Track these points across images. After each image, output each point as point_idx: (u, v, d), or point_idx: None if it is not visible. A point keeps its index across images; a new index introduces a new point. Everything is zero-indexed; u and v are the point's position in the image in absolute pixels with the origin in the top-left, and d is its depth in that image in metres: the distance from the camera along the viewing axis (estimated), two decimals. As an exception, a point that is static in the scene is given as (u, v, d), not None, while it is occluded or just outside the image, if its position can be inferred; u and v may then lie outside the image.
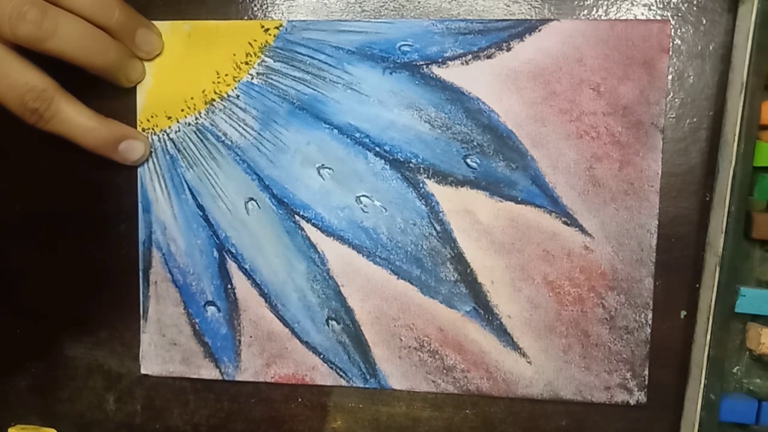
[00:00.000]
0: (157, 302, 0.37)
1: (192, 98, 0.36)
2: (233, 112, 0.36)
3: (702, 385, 0.32)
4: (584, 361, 0.34)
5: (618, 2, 0.33)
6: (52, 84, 0.32)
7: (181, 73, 0.36)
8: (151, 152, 0.37)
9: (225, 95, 0.36)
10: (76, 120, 0.33)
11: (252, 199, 0.36)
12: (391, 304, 0.35)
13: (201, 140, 0.36)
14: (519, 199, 0.34)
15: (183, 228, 0.37)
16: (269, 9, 0.36)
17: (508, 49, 0.34)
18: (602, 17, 0.33)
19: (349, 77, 0.35)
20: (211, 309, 0.37)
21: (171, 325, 0.37)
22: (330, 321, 0.36)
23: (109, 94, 0.36)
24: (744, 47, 0.31)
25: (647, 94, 0.33)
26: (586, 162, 0.34)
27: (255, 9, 0.36)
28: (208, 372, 0.37)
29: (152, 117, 0.36)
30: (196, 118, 0.36)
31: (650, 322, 0.34)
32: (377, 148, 0.35)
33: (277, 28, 0.35)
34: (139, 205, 0.37)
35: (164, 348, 0.37)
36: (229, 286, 0.36)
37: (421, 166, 0.35)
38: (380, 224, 0.35)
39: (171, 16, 0.36)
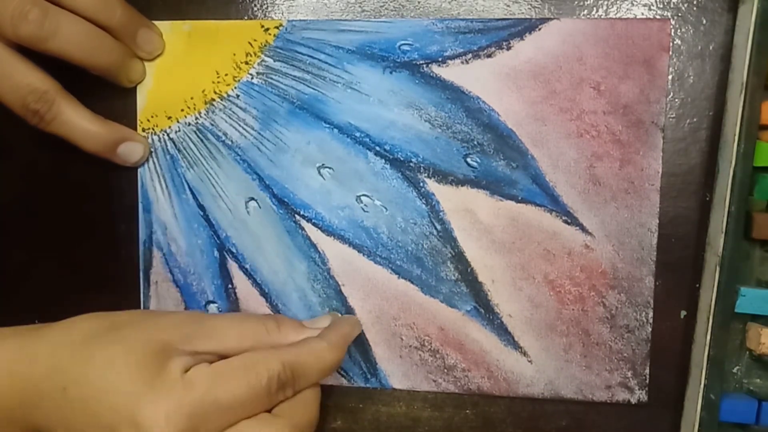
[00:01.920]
0: (157, 302, 0.37)
1: (192, 98, 0.36)
2: (233, 112, 0.36)
3: (702, 385, 0.32)
4: (585, 360, 0.34)
5: (618, 2, 0.33)
6: (54, 86, 0.32)
7: (181, 73, 0.36)
8: (151, 152, 0.37)
9: (225, 95, 0.36)
10: (76, 122, 0.33)
11: (252, 198, 0.36)
12: (391, 303, 0.35)
13: (201, 140, 0.36)
14: (519, 198, 0.34)
15: (183, 228, 0.37)
16: (269, 9, 0.36)
17: (508, 48, 0.34)
18: (602, 17, 0.33)
19: (349, 77, 0.35)
20: (211, 309, 0.37)
21: (171, 324, 0.37)
22: (330, 320, 0.36)
23: (110, 95, 0.36)
24: (744, 47, 0.31)
25: (647, 92, 0.33)
26: (586, 161, 0.34)
27: (255, 9, 0.36)
28: (208, 372, 0.37)
29: (152, 117, 0.36)
30: (196, 118, 0.36)
31: (651, 320, 0.34)
32: (377, 148, 0.35)
33: (277, 27, 0.35)
34: (140, 205, 0.37)
35: (164, 348, 0.37)
36: (229, 285, 0.36)
37: (422, 165, 0.35)
38: (381, 224, 0.35)
39: (171, 16, 0.36)
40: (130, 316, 0.29)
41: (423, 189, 0.35)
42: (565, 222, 0.34)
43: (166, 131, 0.36)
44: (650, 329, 0.34)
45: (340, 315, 0.35)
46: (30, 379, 0.27)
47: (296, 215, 0.36)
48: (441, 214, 0.35)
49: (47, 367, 0.27)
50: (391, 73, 0.34)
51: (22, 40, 0.31)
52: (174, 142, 0.36)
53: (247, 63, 0.36)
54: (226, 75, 0.36)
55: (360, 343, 0.36)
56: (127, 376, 0.26)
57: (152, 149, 0.37)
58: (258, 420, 0.27)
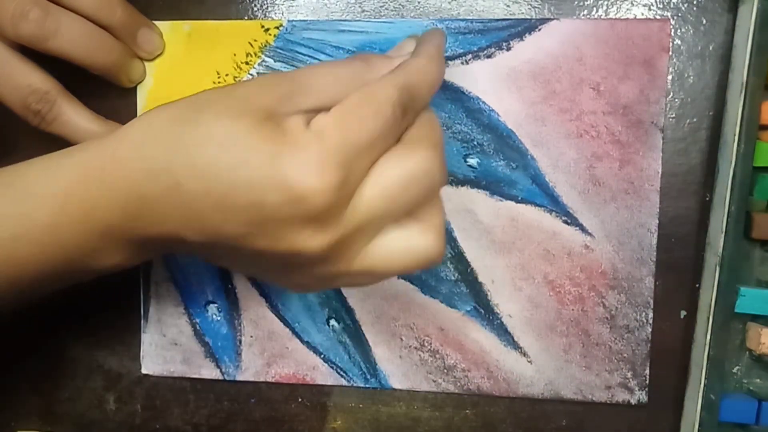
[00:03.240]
0: (157, 302, 0.37)
1: (192, 98, 0.36)
2: (233, 112, 0.36)
3: (702, 385, 0.32)
4: (585, 361, 0.34)
5: (618, 2, 0.33)
6: (56, 86, 0.32)
7: (181, 73, 0.36)
8: (151, 152, 0.36)
9: (225, 95, 0.36)
10: (78, 123, 0.33)
11: None
12: (391, 303, 0.35)
13: (201, 140, 0.36)
14: (519, 198, 0.34)
15: (183, 228, 0.36)
16: (269, 9, 0.36)
17: (508, 49, 0.34)
18: (602, 17, 0.33)
19: (350, 77, 0.35)
20: (211, 309, 0.37)
21: (172, 325, 0.37)
22: (330, 320, 0.36)
23: (110, 95, 0.36)
24: (744, 47, 0.31)
25: (647, 93, 0.33)
26: (586, 161, 0.34)
27: (255, 9, 0.36)
28: (208, 372, 0.37)
29: (152, 117, 0.36)
30: (197, 118, 0.36)
31: (651, 321, 0.34)
32: (377, 148, 0.35)
33: (277, 28, 0.35)
34: (140, 204, 0.37)
35: (165, 348, 0.37)
36: (229, 285, 0.36)
37: (422, 165, 0.35)
38: (380, 224, 0.35)
39: (171, 16, 0.36)
40: (207, 94, 0.25)
41: (423, 189, 0.35)
42: (565, 222, 0.34)
43: (166, 131, 0.36)
44: (650, 329, 0.34)
45: (418, 36, 0.30)
46: (123, 188, 0.24)
47: (296, 215, 0.36)
48: (441, 214, 0.35)
49: (141, 169, 0.24)
50: (391, 73, 0.34)
51: (22, 40, 0.31)
52: (174, 143, 0.36)
53: (247, 63, 0.36)
54: (227, 75, 0.36)
55: (360, 344, 0.36)
56: (252, 145, 0.23)
57: (152, 149, 0.36)
58: (398, 151, 0.25)
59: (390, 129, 0.24)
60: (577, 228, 0.34)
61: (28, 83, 0.32)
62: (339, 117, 0.24)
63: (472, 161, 0.34)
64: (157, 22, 0.36)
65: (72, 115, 0.33)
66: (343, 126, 0.23)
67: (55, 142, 0.33)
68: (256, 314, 0.36)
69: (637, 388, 0.34)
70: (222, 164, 0.23)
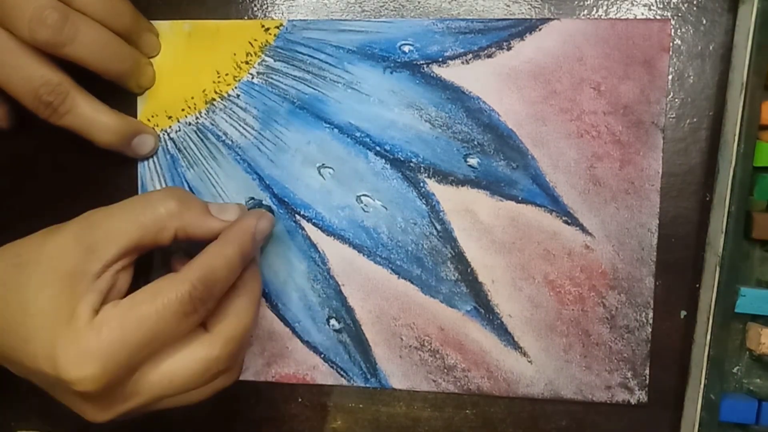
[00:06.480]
0: (157, 302, 0.37)
1: (192, 98, 0.36)
2: (234, 112, 0.36)
3: (702, 385, 0.32)
4: (585, 361, 0.34)
5: (618, 2, 0.33)
6: (67, 78, 0.32)
7: (181, 72, 0.36)
8: (150, 151, 0.37)
9: (225, 95, 0.36)
10: (92, 115, 0.33)
11: (252, 198, 0.36)
12: (391, 303, 0.35)
13: (201, 140, 0.36)
14: (519, 198, 0.34)
15: (183, 227, 0.36)
16: (269, 9, 0.36)
17: (509, 49, 0.34)
18: (602, 17, 0.33)
19: (350, 76, 0.35)
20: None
21: (171, 324, 0.37)
22: (330, 320, 0.36)
23: (110, 93, 0.36)
24: (744, 47, 0.31)
25: (648, 93, 0.33)
26: (586, 161, 0.34)
27: (255, 9, 0.36)
28: (208, 371, 0.37)
29: (153, 117, 0.36)
30: (197, 118, 0.36)
31: (651, 321, 0.34)
32: (378, 148, 0.35)
33: (277, 27, 0.35)
34: (140, 204, 0.37)
35: (164, 348, 0.37)
36: (229, 285, 0.36)
37: (422, 165, 0.35)
38: (381, 224, 0.35)
39: (171, 16, 0.36)
40: (32, 245, 0.29)
41: (423, 189, 0.35)
42: (566, 222, 0.34)
43: (166, 131, 0.36)
44: (650, 329, 0.34)
45: (246, 209, 0.34)
46: None
47: (296, 215, 0.36)
48: (441, 214, 0.35)
49: None
50: (391, 73, 0.34)
51: (38, 45, 0.30)
52: (174, 142, 0.36)
53: (247, 63, 0.36)
54: (227, 75, 0.36)
55: (360, 343, 0.36)
56: (43, 325, 0.26)
57: (152, 149, 0.37)
58: (184, 342, 0.28)
59: (175, 326, 0.27)
60: (578, 228, 0.34)
61: (40, 74, 0.31)
62: (122, 313, 0.27)
63: (473, 161, 0.34)
64: (157, 22, 0.36)
65: (85, 107, 0.32)
66: (124, 324, 0.26)
67: (54, 141, 0.33)
68: (256, 314, 0.36)
69: (637, 388, 0.34)
70: (20, 333, 0.27)
